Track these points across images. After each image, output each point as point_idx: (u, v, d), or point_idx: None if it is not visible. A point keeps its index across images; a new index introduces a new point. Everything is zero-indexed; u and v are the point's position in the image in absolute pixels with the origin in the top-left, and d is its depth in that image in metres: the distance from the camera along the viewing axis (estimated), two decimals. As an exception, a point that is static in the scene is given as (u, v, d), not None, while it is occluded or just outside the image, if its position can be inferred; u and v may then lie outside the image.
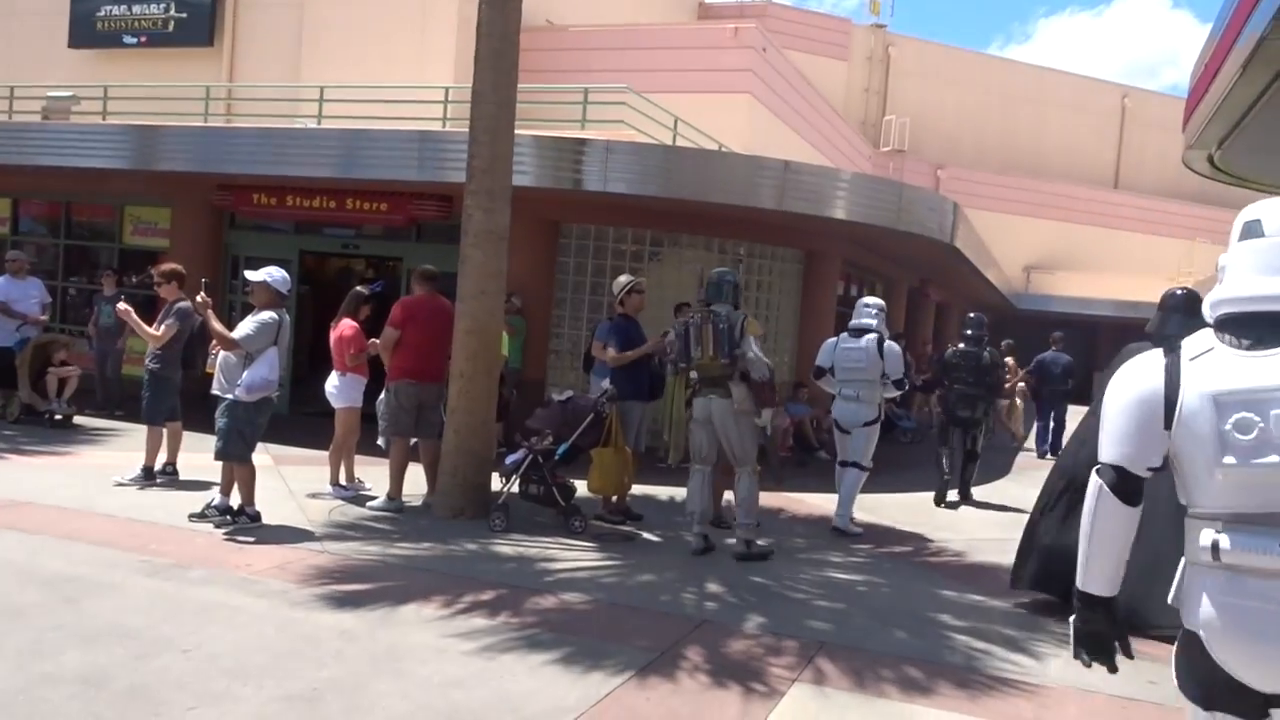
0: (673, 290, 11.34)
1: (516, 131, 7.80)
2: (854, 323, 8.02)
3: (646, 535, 7.27)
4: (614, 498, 7.55)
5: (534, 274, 10.95)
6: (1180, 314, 5.79)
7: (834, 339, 8.21)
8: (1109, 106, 31.59)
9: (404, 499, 7.48)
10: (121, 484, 7.48)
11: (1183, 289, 6.07)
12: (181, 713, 3.69)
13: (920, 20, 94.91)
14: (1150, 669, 4.31)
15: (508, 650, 4.59)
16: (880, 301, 8.26)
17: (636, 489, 7.91)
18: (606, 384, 7.67)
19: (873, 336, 7.83)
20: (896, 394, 8.20)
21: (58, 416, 10.03)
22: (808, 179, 11.01)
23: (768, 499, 8.58)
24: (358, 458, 7.99)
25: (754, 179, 10.57)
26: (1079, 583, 2.36)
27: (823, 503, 8.84)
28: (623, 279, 8.16)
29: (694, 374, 6.82)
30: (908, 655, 4.94)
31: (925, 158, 28.15)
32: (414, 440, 7.64)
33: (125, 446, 8.95)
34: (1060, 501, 5.78)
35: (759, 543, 6.73)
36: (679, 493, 8.86)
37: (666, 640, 4.89)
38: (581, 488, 7.30)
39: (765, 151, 13.22)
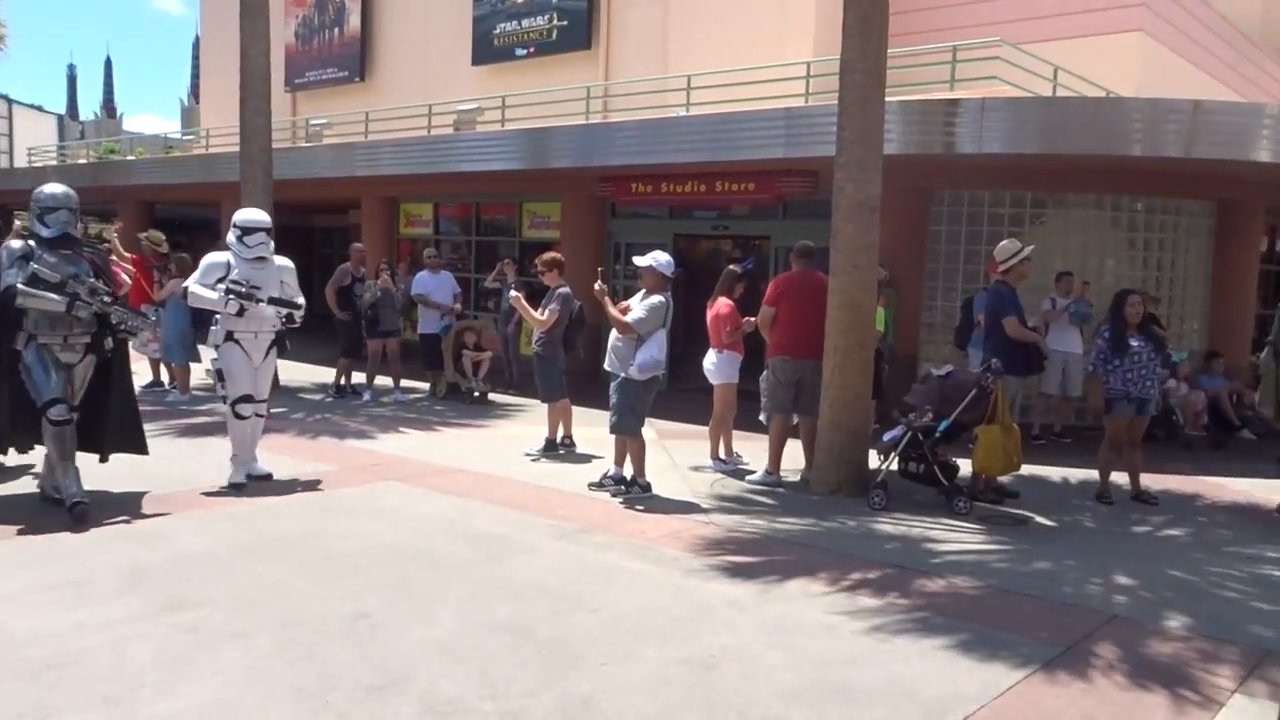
0: (1058, 256, 10.49)
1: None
2: None
3: (1039, 519, 6.77)
4: (985, 476, 7.12)
5: (904, 245, 10.58)
6: None
7: None
8: None
9: (781, 474, 7.58)
10: (529, 454, 8.29)
11: None
12: (595, 667, 4.00)
13: (1362, -83, 78.75)
14: None
15: (898, 632, 4.48)
16: None
17: (1025, 469, 7.39)
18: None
19: None
20: None
21: (475, 393, 11.35)
22: (1223, 119, 9.59)
23: (1180, 483, 7.68)
24: (735, 432, 8.22)
25: (1155, 125, 9.41)
26: None
27: (1249, 489, 7.72)
28: (1010, 244, 7.61)
29: None
30: (1384, 675, 4.16)
31: (1376, 80, 23.47)
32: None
33: (530, 420, 9.91)
34: None
35: None
36: (1072, 473, 8.21)
37: (1073, 634, 4.51)
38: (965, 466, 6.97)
39: (1161, 93, 11.73)
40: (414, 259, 14.85)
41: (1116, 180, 10.50)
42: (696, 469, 7.96)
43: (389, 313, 11.30)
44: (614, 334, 6.93)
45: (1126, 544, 6.24)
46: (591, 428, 8.62)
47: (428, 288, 11.59)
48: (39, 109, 38.58)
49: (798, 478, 7.68)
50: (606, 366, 7.02)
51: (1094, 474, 7.56)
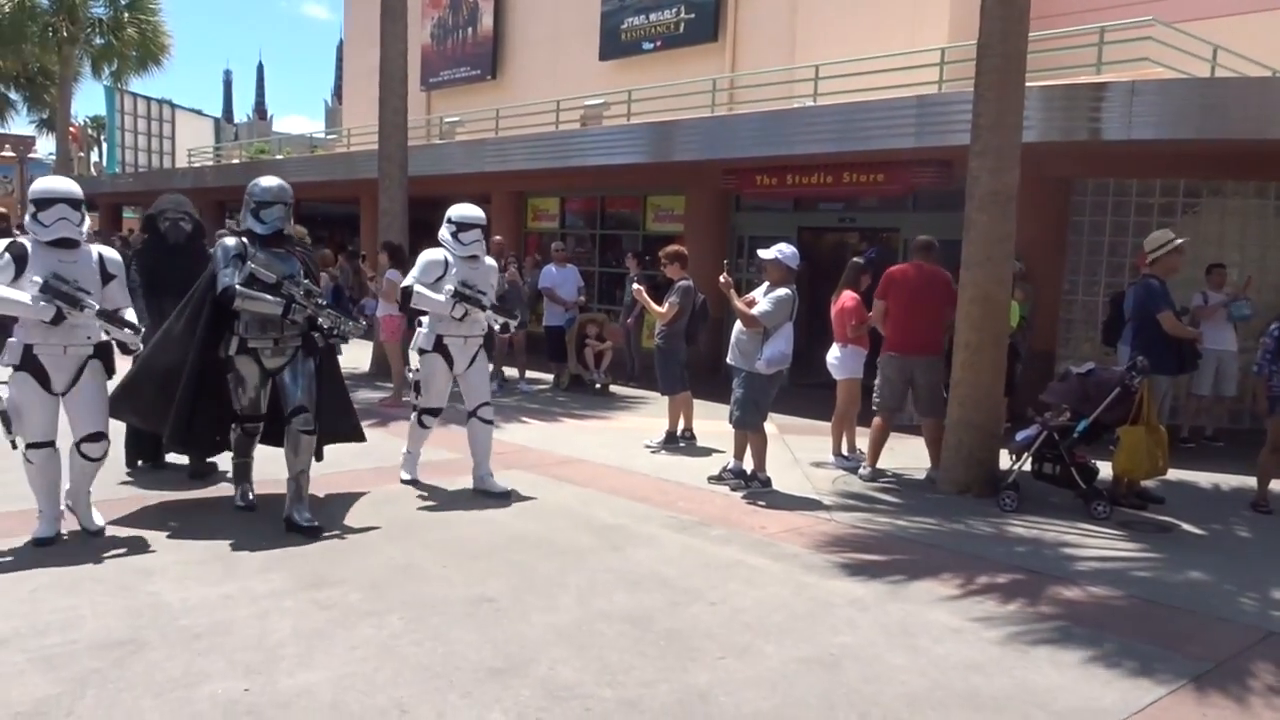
0: (1213, 248, 9.86)
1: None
2: None
3: (1186, 526, 6.38)
4: (1126, 480, 6.75)
5: (1042, 237, 10.13)
6: None
7: None
8: None
9: (877, 468, 7.47)
10: (649, 446, 8.32)
11: None
12: (713, 661, 3.98)
13: None
14: None
15: (1029, 639, 4.30)
16: None
17: (1171, 474, 6.98)
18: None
19: None
20: None
21: (597, 385, 11.48)
22: (1406, 98, 8.82)
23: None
24: (859, 428, 8.04)
25: (1326, 106, 8.73)
26: None
27: None
28: (1160, 234, 7.20)
29: None
30: None
31: None
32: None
33: (650, 413, 9.95)
34: None
35: None
36: (1223, 479, 7.72)
37: (1224, 650, 4.24)
38: (1105, 469, 6.64)
39: (1338, 71, 10.85)
40: (541, 252, 15.12)
41: (1280, 166, 9.80)
42: (818, 465, 7.83)
43: (516, 305, 11.51)
44: (738, 327, 6.88)
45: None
46: (712, 421, 8.59)
47: (554, 281, 11.79)
48: (198, 113, 41.14)
49: (923, 477, 7.47)
50: (730, 360, 6.97)
51: (1249, 481, 7.09)
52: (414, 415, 6.73)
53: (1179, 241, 7.10)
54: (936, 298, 7.26)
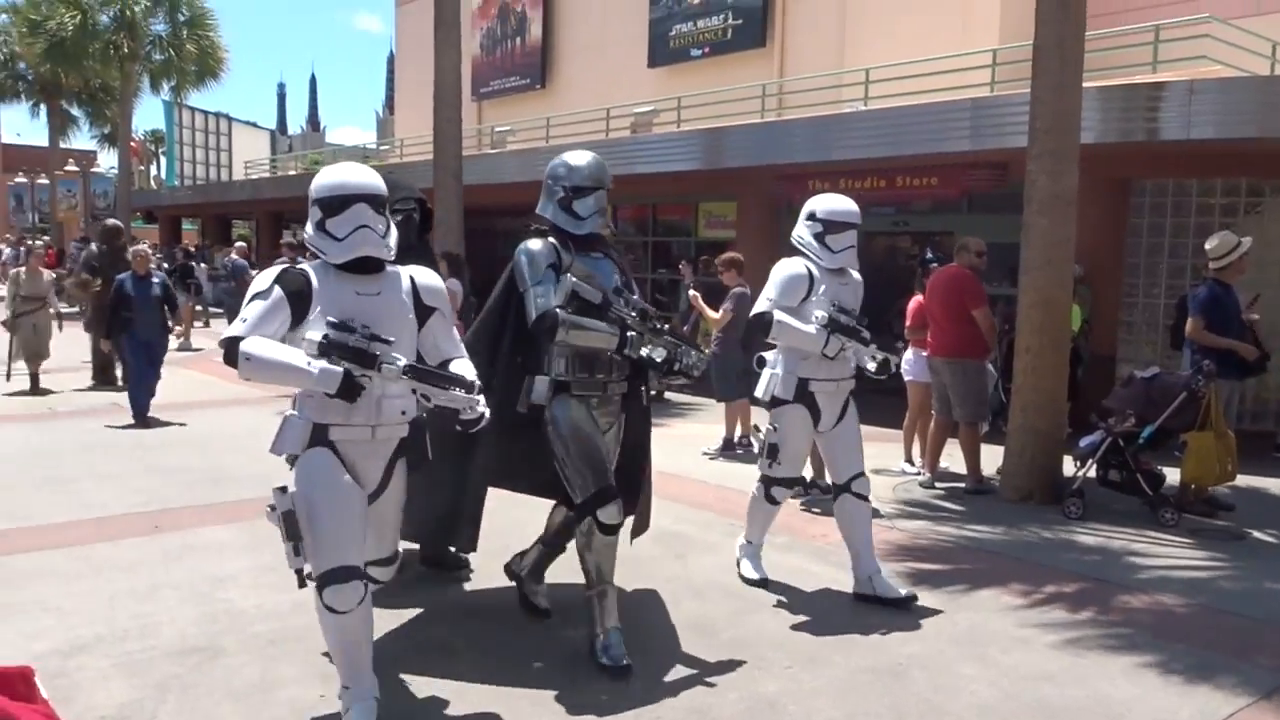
0: (1277, 249, 9.64)
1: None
2: None
3: (1258, 534, 6.26)
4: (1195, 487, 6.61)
5: (1100, 239, 9.99)
6: None
7: None
8: None
9: (939, 471, 7.45)
10: (707, 453, 8.34)
11: None
12: (780, 670, 4.00)
13: None
14: None
15: (1099, 649, 4.25)
16: None
17: (1241, 480, 6.84)
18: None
19: None
20: None
21: (653, 392, 11.47)
22: None
23: None
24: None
25: (1396, 101, 8.51)
26: None
27: None
28: (1225, 239, 7.03)
29: None
30: None
31: None
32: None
33: (707, 419, 9.95)
34: None
35: None
36: (1297, 487, 7.54)
37: (1302, 662, 4.16)
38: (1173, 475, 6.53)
39: None
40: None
41: (1348, 164, 9.57)
42: (878, 472, 7.77)
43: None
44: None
45: (1363, 565, 5.68)
46: (769, 428, 8.58)
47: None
48: (253, 125, 41.91)
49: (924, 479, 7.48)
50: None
51: (1323, 487, 6.94)
52: (758, 488, 5.02)
53: (1246, 246, 6.94)
54: (947, 298, 7.20)
